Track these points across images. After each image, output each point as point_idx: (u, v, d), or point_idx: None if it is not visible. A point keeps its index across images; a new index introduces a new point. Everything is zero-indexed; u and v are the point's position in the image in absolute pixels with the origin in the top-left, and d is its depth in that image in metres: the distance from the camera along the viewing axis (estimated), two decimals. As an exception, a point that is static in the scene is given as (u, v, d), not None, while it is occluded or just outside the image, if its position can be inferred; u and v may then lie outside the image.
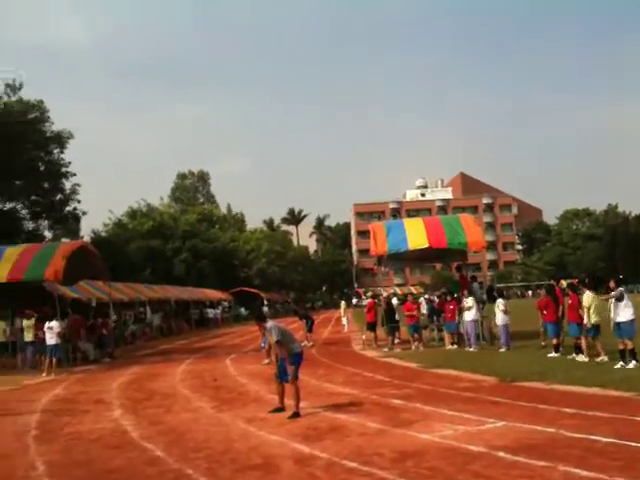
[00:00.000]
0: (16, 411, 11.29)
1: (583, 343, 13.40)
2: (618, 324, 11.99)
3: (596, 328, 13.02)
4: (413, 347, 18.65)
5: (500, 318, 16.57)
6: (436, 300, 21.07)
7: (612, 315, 12.19)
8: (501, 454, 6.38)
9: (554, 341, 14.74)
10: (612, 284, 12.41)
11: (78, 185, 43.06)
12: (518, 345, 16.78)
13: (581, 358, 13.22)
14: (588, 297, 13.13)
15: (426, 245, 18.82)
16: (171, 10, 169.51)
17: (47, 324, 17.90)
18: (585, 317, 13.05)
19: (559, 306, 15.11)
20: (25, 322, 19.26)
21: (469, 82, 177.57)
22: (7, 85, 39.17)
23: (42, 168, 40.71)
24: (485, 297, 19.55)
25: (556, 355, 14.33)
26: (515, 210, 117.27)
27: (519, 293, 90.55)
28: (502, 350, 16.24)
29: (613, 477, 5.41)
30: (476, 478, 5.64)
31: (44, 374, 17.22)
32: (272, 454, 6.97)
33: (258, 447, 7.35)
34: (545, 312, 15.21)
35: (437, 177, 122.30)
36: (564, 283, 16.59)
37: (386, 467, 6.18)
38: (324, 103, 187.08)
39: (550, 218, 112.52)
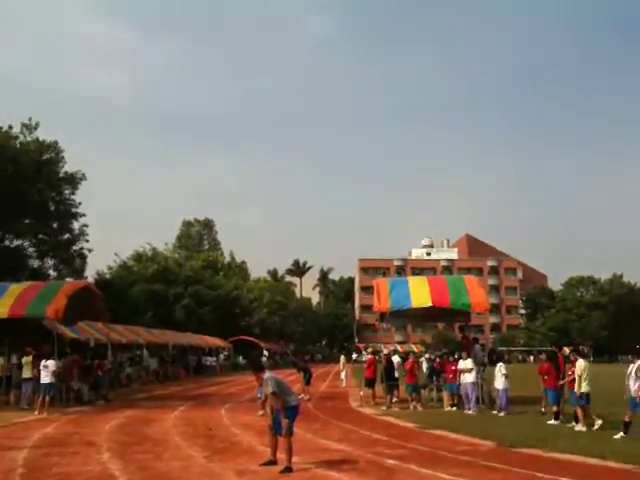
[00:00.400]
0: (4, 448, 11.11)
1: (578, 412, 13.27)
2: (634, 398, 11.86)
3: (587, 396, 13.12)
4: (411, 407, 18.37)
5: (500, 382, 16.37)
6: (436, 360, 20.83)
7: (631, 386, 12.07)
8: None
9: (554, 408, 14.55)
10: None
11: (86, 226, 43.53)
12: (517, 410, 16.53)
13: (579, 427, 13.02)
14: (581, 365, 13.22)
15: (429, 304, 18.75)
16: (190, 73, 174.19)
17: (43, 362, 17.79)
18: (576, 385, 13.11)
19: (560, 373, 14.96)
20: (24, 359, 19.08)
21: (476, 147, 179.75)
22: (23, 125, 40.00)
23: (52, 208, 41.24)
24: (486, 360, 19.35)
25: (556, 422, 14.12)
26: (520, 274, 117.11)
27: (520, 357, 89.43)
28: (501, 414, 16.01)
29: None
30: None
31: (36, 412, 17.01)
32: (261, 508, 6.81)
33: (247, 500, 7.19)
34: (546, 378, 15.05)
35: (443, 237, 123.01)
36: (567, 350, 16.36)
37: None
38: (332, 162, 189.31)
39: (555, 284, 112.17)
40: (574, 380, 13.53)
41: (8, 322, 19.39)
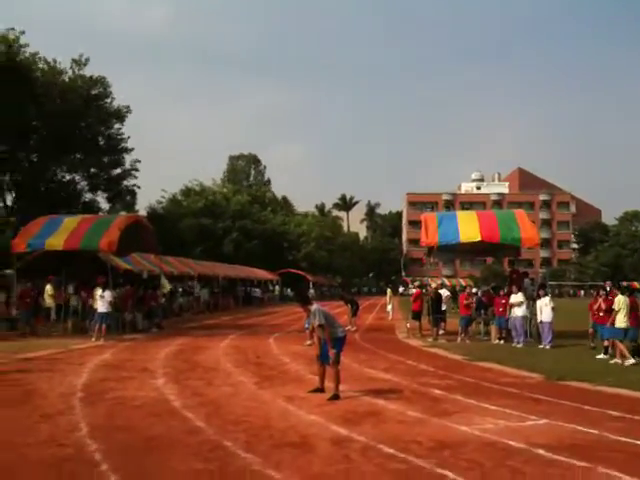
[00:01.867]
0: (63, 373, 11.66)
1: (620, 347, 13.11)
2: None
3: (625, 331, 13.08)
4: (459, 339, 18.44)
5: (546, 315, 16.23)
6: (480, 293, 20.72)
7: None
8: (541, 452, 6.24)
9: (605, 343, 14.36)
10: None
11: (138, 161, 44.10)
12: (566, 344, 16.42)
13: (629, 362, 12.82)
14: (619, 300, 13.04)
15: (478, 239, 18.48)
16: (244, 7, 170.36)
17: (100, 292, 18.41)
18: (617, 319, 12.97)
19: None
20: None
21: (534, 78, 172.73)
22: (74, 60, 40.14)
23: (102, 142, 41.79)
24: (535, 294, 19.12)
25: (605, 357, 13.96)
26: (573, 208, 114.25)
27: (571, 292, 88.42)
28: (547, 347, 15.96)
29: (657, 484, 5.24)
30: (514, 474, 5.54)
31: (93, 339, 17.74)
32: (309, 434, 6.99)
33: (296, 425, 7.39)
34: (601, 314, 14.78)
35: (494, 171, 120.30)
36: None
37: (423, 456, 6.13)
38: (382, 92, 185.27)
39: (609, 219, 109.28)
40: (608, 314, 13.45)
41: (65, 254, 20.04)
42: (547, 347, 16.00)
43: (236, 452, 6.24)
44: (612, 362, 13.07)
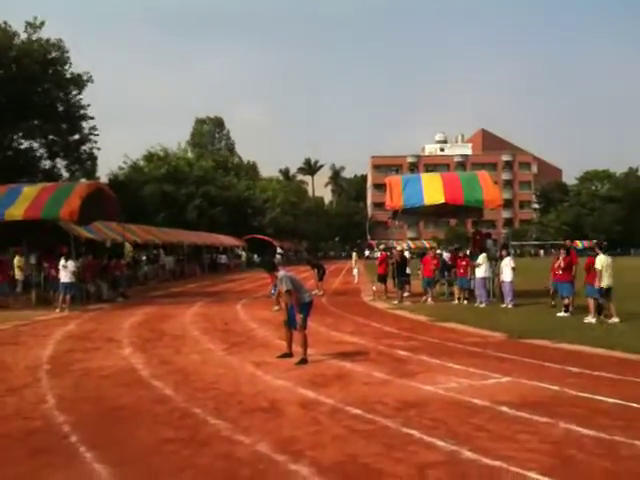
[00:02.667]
0: (28, 345, 11.52)
1: (590, 304, 13.42)
2: None
3: (607, 291, 13.12)
4: (423, 299, 18.75)
5: (508, 275, 16.57)
6: (447, 255, 21.01)
7: None
8: (504, 409, 6.43)
9: (565, 301, 14.73)
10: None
11: (95, 128, 43.08)
12: (527, 303, 16.81)
13: (589, 319, 13.21)
14: (601, 259, 13.19)
15: (442, 201, 18.64)
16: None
17: (62, 262, 18.12)
18: (597, 279, 13.11)
19: (573, 266, 15.04)
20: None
21: (496, 37, 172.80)
22: (28, 23, 38.63)
23: (61, 109, 40.62)
24: (498, 254, 19.47)
25: (565, 315, 14.33)
26: (535, 169, 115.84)
27: (533, 252, 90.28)
28: (509, 306, 16.32)
29: (613, 436, 5.45)
30: (478, 431, 5.70)
31: (57, 310, 17.53)
32: (278, 398, 7.07)
33: (265, 391, 7.46)
34: (560, 272, 15.08)
35: (458, 132, 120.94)
36: (579, 244, 16.53)
37: (389, 415, 6.26)
38: (344, 54, 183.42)
39: (570, 179, 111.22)
40: (590, 274, 13.63)
41: (25, 224, 19.60)
42: (509, 306, 16.37)
43: (205, 419, 6.28)
44: (586, 321, 13.16)
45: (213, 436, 5.70)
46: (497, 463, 4.83)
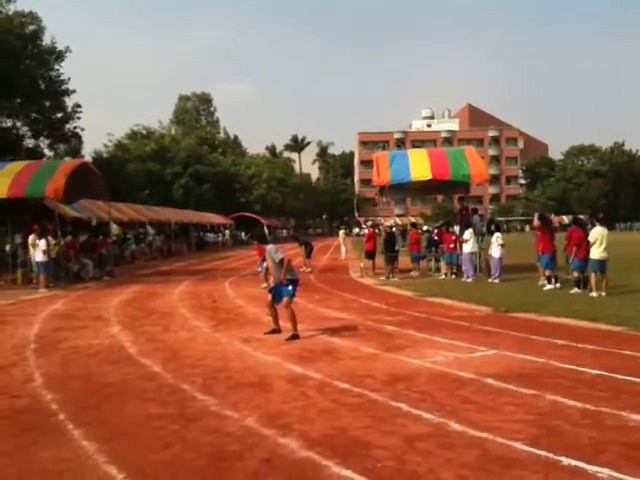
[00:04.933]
0: (15, 324, 11.46)
1: (592, 278, 13.35)
2: None
3: (601, 263, 13.17)
4: (412, 274, 18.90)
5: (497, 251, 16.65)
6: (434, 231, 21.09)
7: None
8: (490, 381, 6.49)
9: (546, 272, 14.84)
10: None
11: (79, 106, 42.42)
12: (514, 278, 16.93)
13: (594, 293, 13.15)
14: (595, 232, 13.24)
15: (429, 177, 18.64)
16: None
17: (32, 240, 17.97)
18: (591, 251, 13.18)
19: (553, 238, 15.17)
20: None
21: (481, 12, 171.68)
22: None
23: (42, 86, 39.90)
24: (485, 230, 19.55)
25: (550, 287, 14.44)
26: (521, 144, 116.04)
27: (519, 227, 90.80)
28: (496, 281, 16.42)
29: (599, 407, 5.52)
30: (465, 403, 5.75)
31: (40, 289, 17.43)
32: (266, 373, 7.09)
33: (253, 367, 7.48)
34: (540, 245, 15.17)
35: (444, 108, 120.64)
36: (565, 219, 16.68)
37: (377, 389, 6.30)
38: (332, 30, 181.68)
39: (556, 154, 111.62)
40: (577, 247, 13.72)
41: (9, 202, 19.37)
42: (496, 281, 16.48)
43: (194, 395, 6.29)
44: (593, 294, 13.04)
45: (201, 411, 5.71)
46: (484, 434, 4.87)
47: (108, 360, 8.08)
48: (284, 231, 51.98)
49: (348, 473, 4.19)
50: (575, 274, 13.89)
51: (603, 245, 13.16)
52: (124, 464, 4.44)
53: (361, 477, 4.12)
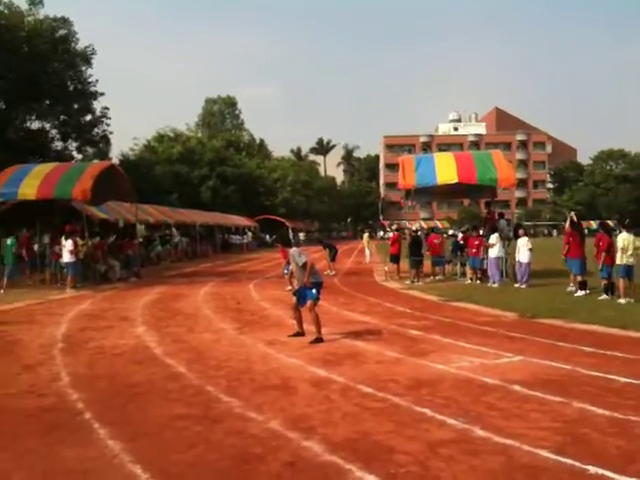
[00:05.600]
0: (42, 324, 11.63)
1: (620, 284, 13.14)
2: None
3: (628, 269, 12.97)
4: (430, 279, 18.86)
5: (524, 256, 16.46)
6: (460, 235, 20.92)
7: None
8: (516, 388, 6.41)
9: (578, 278, 14.62)
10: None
11: (107, 108, 42.95)
12: (541, 283, 16.71)
13: (622, 300, 12.94)
14: (623, 237, 13.06)
15: (455, 180, 18.51)
16: None
17: (63, 242, 18.24)
18: (617, 257, 13.00)
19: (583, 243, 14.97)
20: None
21: (510, 13, 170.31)
22: (30, 1, 38.20)
23: (71, 88, 40.45)
24: (511, 234, 19.34)
25: (581, 294, 14.21)
26: (549, 148, 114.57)
27: (546, 232, 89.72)
28: (522, 287, 16.24)
29: (627, 415, 5.41)
30: (490, 409, 5.69)
31: (67, 290, 17.66)
32: (290, 376, 7.10)
33: (277, 369, 7.49)
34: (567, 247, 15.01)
35: (471, 111, 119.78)
36: (593, 224, 16.50)
37: (401, 394, 6.26)
38: (358, 32, 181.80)
39: (584, 158, 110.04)
40: (605, 253, 13.52)
41: (37, 204, 19.69)
42: (522, 287, 16.28)
43: (218, 396, 6.32)
44: (622, 301, 12.84)
45: (226, 413, 5.73)
46: (509, 441, 4.81)
47: (133, 360, 8.16)
48: (301, 234, 51.86)
49: (371, 478, 4.17)
50: (604, 281, 13.68)
51: (630, 251, 12.97)
52: (148, 464, 4.47)
53: (384, 482, 4.10)
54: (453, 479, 4.14)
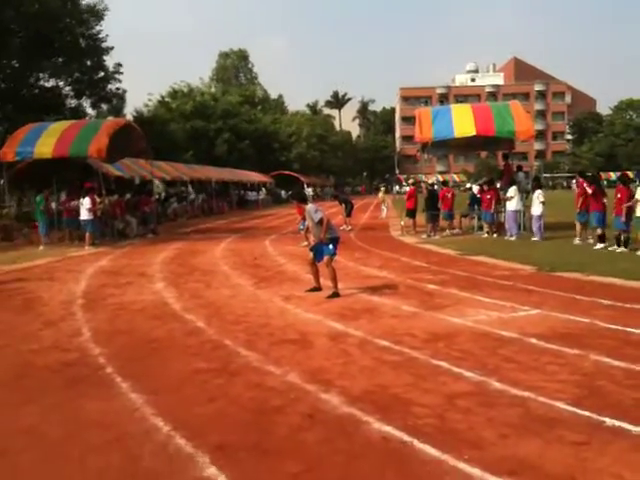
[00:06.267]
0: (62, 281, 11.78)
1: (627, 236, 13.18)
2: None
3: None
4: (445, 233, 18.93)
5: (537, 209, 16.31)
6: (476, 189, 20.72)
7: None
8: (533, 341, 6.42)
9: (598, 231, 14.49)
10: None
11: (120, 65, 42.58)
12: (558, 236, 16.59)
13: (621, 250, 12.97)
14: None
15: (473, 133, 18.25)
16: None
17: (81, 200, 18.33)
18: (637, 209, 12.90)
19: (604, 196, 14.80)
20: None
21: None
22: None
23: (83, 44, 40.08)
24: (530, 187, 19.13)
25: (601, 246, 14.10)
26: (568, 99, 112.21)
27: (565, 184, 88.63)
28: (535, 239, 16.15)
29: (645, 367, 5.41)
30: (506, 362, 5.71)
31: (86, 247, 17.83)
32: (308, 331, 7.16)
33: (294, 324, 7.55)
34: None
35: (489, 61, 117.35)
36: (613, 175, 16.32)
37: (417, 347, 6.30)
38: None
39: (604, 108, 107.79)
40: (620, 205, 13.38)
41: (54, 162, 19.75)
42: (536, 239, 16.20)
43: (237, 350, 6.40)
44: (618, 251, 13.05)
45: (245, 367, 5.81)
46: (526, 394, 4.84)
47: (153, 316, 8.26)
48: (309, 189, 51.76)
49: (389, 429, 4.22)
50: (621, 232, 13.57)
51: None
52: (170, 417, 4.56)
53: (402, 433, 4.15)
54: (470, 430, 4.18)
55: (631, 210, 13.21)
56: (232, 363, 5.94)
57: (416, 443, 3.98)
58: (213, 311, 8.46)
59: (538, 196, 16.40)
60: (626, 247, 13.27)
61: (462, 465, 3.65)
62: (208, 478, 3.59)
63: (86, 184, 19.04)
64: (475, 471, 3.57)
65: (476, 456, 3.76)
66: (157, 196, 27.65)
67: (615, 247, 13.40)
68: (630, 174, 17.56)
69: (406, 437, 4.08)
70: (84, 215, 18.26)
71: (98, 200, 19.38)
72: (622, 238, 13.46)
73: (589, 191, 14.62)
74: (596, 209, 14.54)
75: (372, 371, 5.56)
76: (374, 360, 5.91)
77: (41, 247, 17.90)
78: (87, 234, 18.25)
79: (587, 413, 4.42)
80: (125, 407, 4.82)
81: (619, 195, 13.63)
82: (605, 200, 14.53)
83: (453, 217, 20.05)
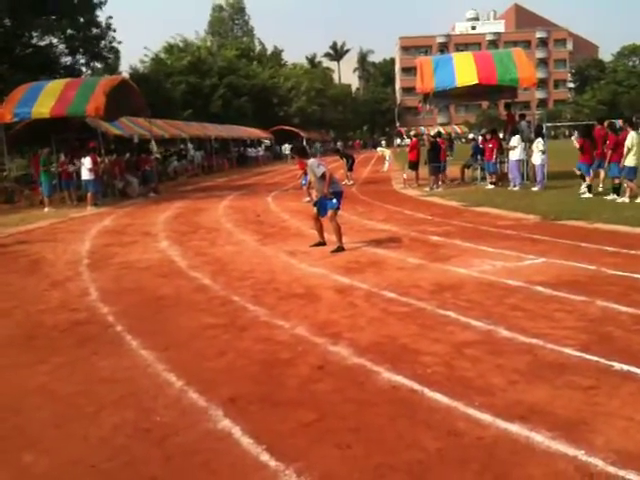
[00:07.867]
0: (66, 241, 11.79)
1: (624, 184, 13.16)
2: None
3: (629, 170, 12.89)
4: (448, 182, 18.97)
5: (538, 158, 16.20)
6: (480, 139, 20.52)
7: None
8: (540, 289, 6.43)
9: (587, 179, 14.53)
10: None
11: (111, 17, 41.70)
12: (561, 185, 16.51)
13: (621, 199, 12.94)
14: (632, 137, 12.82)
15: (475, 81, 17.96)
16: None
17: (82, 159, 18.18)
18: (623, 157, 12.84)
19: (595, 148, 14.83)
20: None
21: None
22: None
23: (75, 0, 39.21)
24: (532, 136, 18.95)
25: (589, 195, 14.14)
26: (570, 46, 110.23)
27: (567, 133, 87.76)
28: (536, 189, 16.09)
29: (652, 312, 5.43)
30: (513, 311, 5.73)
31: (88, 207, 17.77)
32: (314, 285, 7.17)
33: (300, 278, 7.57)
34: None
35: (489, 8, 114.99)
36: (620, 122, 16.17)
37: (424, 298, 6.32)
38: None
39: (606, 55, 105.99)
40: (612, 153, 13.36)
41: (52, 122, 19.55)
42: (536, 188, 16.15)
43: (244, 306, 6.43)
44: (619, 201, 13.01)
45: (252, 321, 5.84)
46: (534, 341, 4.87)
47: (159, 274, 8.28)
48: (318, 144, 50.63)
49: (399, 378, 4.26)
50: (616, 180, 13.55)
51: (633, 152, 12.79)
52: (182, 371, 4.60)
53: (411, 382, 4.18)
54: (479, 378, 4.22)
55: (620, 157, 13.15)
56: (240, 318, 5.98)
57: (426, 391, 4.02)
58: (219, 268, 8.47)
59: (537, 145, 16.28)
60: (617, 194, 13.29)
61: (472, 411, 3.69)
62: (222, 430, 3.64)
63: (90, 144, 18.87)
64: (486, 417, 3.61)
65: (487, 402, 3.80)
66: (157, 155, 27.42)
67: (615, 196, 13.35)
68: (619, 122, 17.31)
69: (416, 386, 4.12)
70: (85, 175, 18.15)
71: (99, 160, 19.27)
72: (614, 186, 13.51)
73: (577, 145, 14.66)
74: (583, 161, 14.77)
75: (380, 322, 5.59)
76: (381, 312, 5.94)
77: (46, 209, 17.80)
78: (89, 194, 18.18)
79: (595, 358, 4.45)
80: (137, 364, 4.86)
81: (607, 142, 13.64)
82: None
83: (444, 169, 19.93)
